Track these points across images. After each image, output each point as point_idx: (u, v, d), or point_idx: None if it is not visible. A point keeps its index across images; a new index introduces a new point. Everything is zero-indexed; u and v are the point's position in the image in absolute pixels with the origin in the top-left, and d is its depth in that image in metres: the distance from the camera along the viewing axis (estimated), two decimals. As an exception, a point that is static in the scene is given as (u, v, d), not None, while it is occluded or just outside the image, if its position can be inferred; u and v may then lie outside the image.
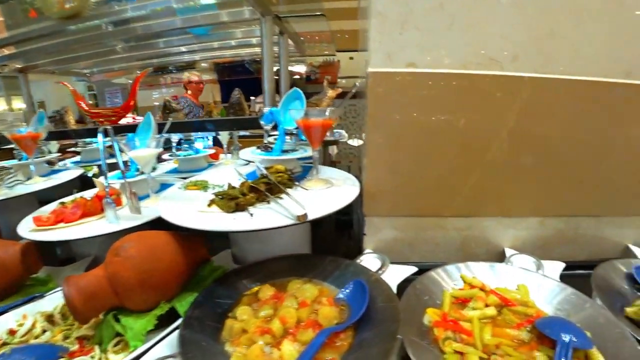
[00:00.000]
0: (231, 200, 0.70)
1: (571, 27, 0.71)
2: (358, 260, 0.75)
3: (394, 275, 0.72)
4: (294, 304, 0.63)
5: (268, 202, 0.72)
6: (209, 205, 0.72)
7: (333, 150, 1.45)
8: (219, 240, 0.87)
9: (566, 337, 0.52)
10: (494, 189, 0.79)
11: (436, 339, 0.56)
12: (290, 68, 3.51)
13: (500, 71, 0.73)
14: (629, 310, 0.61)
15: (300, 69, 4.29)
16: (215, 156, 1.17)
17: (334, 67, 4.33)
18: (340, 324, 0.58)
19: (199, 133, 1.30)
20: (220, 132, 1.15)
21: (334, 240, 0.96)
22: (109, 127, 0.79)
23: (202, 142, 1.32)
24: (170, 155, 1.21)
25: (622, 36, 0.72)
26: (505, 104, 0.74)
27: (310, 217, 0.64)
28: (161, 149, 0.81)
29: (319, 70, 4.37)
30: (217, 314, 0.63)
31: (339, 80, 4.30)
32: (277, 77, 1.27)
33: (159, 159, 1.19)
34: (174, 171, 1.12)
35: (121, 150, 0.84)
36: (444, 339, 0.56)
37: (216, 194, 0.73)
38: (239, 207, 0.69)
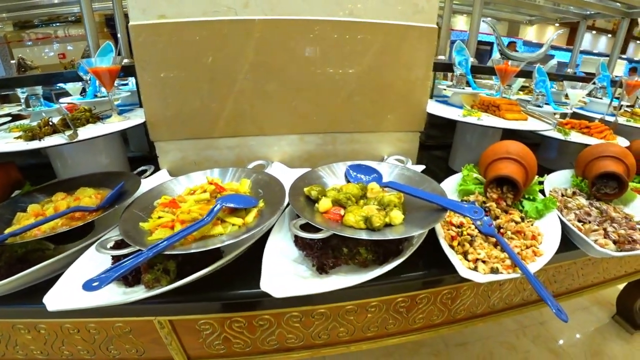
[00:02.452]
0: (30, 133, 0.98)
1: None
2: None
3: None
4: (71, 200, 0.93)
5: (63, 132, 1.00)
6: (17, 138, 1.00)
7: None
8: (48, 171, 1.15)
9: (219, 202, 0.79)
10: (249, 113, 1.06)
11: (154, 212, 0.85)
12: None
13: (234, 16, 0.98)
14: (305, 189, 0.89)
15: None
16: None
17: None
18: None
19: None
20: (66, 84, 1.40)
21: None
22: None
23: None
24: (19, 111, 1.45)
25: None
26: (242, 43, 1.00)
27: (83, 137, 0.93)
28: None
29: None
30: (15, 211, 0.92)
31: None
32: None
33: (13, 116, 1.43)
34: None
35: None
36: (157, 211, 0.85)
37: (23, 130, 1.01)
38: (35, 137, 0.97)
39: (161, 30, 0.96)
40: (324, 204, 0.82)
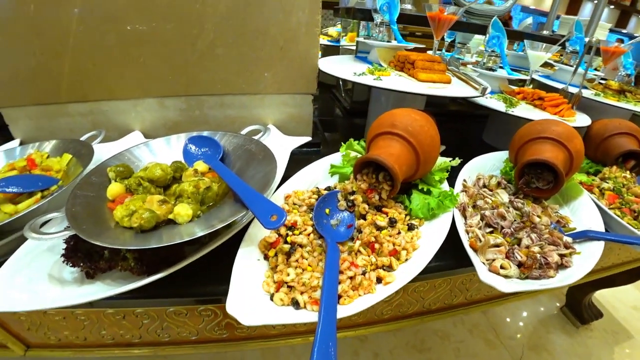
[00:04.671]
0: None
1: None
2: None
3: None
4: None
5: None
6: None
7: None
8: None
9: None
10: (93, 72, 0.74)
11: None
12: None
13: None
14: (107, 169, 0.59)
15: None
16: None
17: None
18: None
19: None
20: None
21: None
22: None
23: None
24: None
25: None
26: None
27: None
28: None
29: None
30: None
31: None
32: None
33: None
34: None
35: None
36: None
37: None
38: None
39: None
40: (112, 189, 0.53)
